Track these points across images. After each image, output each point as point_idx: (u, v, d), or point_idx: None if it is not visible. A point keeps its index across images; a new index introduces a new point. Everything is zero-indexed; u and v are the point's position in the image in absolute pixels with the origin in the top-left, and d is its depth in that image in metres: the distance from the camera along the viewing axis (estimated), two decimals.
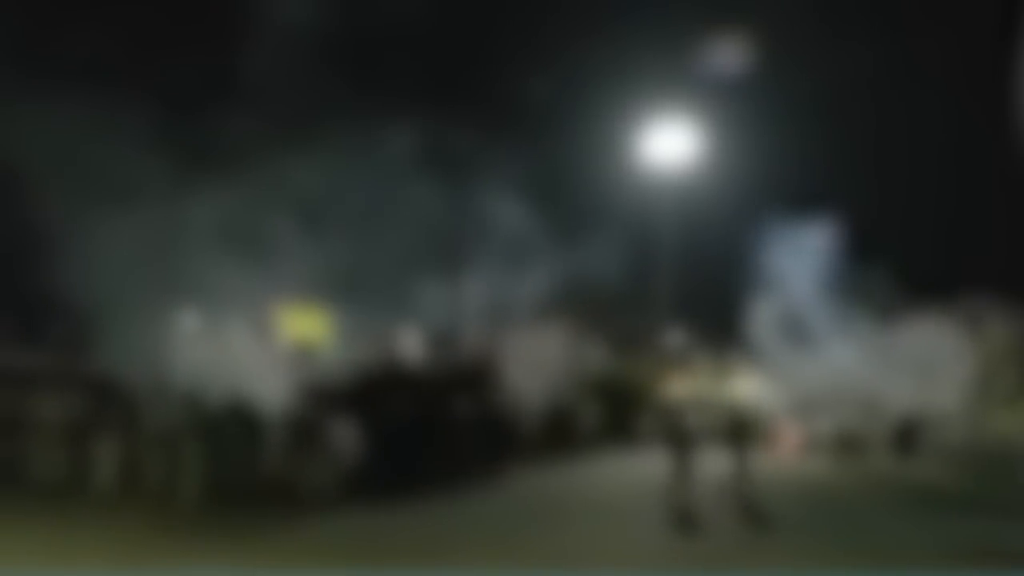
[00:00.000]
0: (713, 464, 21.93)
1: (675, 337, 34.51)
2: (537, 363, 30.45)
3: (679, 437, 20.79)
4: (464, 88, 31.34)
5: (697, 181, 34.48)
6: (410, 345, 29.86)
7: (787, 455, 29.06)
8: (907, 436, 29.34)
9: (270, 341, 26.37)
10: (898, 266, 30.58)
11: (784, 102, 31.65)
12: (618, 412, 32.71)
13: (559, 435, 30.28)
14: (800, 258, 32.18)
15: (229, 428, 23.04)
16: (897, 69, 30.28)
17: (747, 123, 31.81)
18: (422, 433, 24.81)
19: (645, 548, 17.36)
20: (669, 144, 35.03)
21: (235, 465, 22.42)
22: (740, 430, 23.46)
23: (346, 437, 23.33)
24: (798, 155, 31.30)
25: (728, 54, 33.46)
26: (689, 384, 32.43)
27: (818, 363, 30.78)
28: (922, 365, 30.31)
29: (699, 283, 33.57)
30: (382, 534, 18.59)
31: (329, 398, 24.64)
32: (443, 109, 29.76)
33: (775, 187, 32.05)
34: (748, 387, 32.44)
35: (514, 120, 31.44)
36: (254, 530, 18.74)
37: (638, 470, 26.87)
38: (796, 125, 30.84)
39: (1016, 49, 26.84)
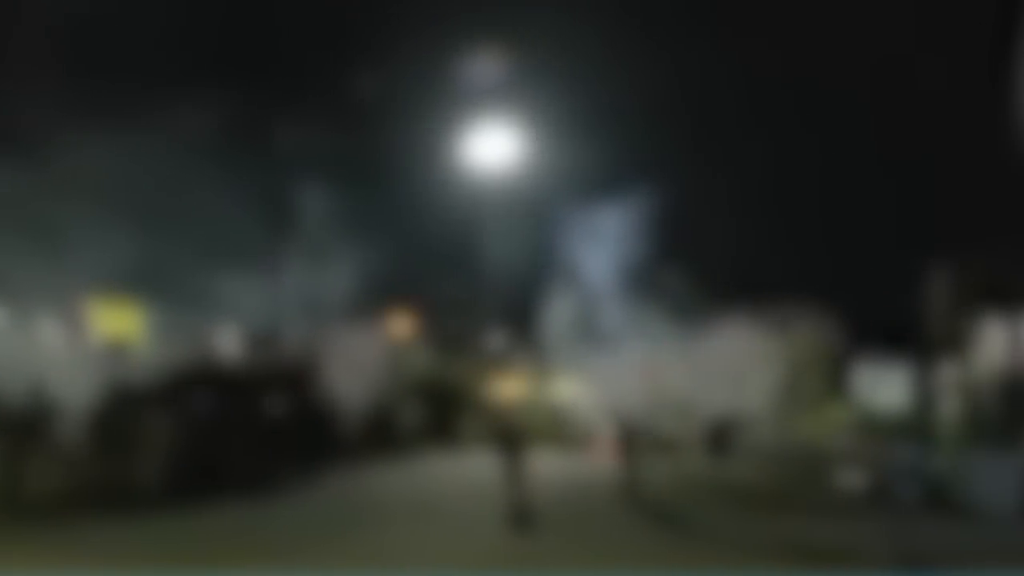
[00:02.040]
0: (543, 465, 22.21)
1: (497, 339, 34.67)
2: (358, 363, 30.22)
3: (509, 438, 20.87)
4: (285, 81, 30.81)
5: (520, 183, 34.68)
6: (227, 344, 29.22)
7: (603, 458, 29.47)
8: (719, 438, 30.15)
9: (80, 338, 25.40)
10: (701, 268, 31.32)
11: (606, 103, 32.08)
12: (440, 414, 32.70)
13: (380, 436, 30.09)
14: (596, 247, 32.74)
15: (31, 427, 22.19)
16: (718, 69, 30.91)
17: (572, 123, 32.12)
18: (236, 433, 24.37)
19: (467, 548, 17.37)
20: (493, 146, 35.09)
21: (38, 465, 21.58)
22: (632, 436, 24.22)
23: (158, 437, 22.68)
24: (627, 157, 31.76)
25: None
26: (515, 386, 32.65)
27: (626, 364, 31.33)
28: (731, 369, 31.22)
29: (520, 285, 33.81)
30: (194, 535, 18.17)
31: (141, 397, 23.96)
32: (259, 101, 29.29)
33: (599, 188, 32.54)
34: (569, 389, 32.87)
35: (337, 116, 31.12)
36: (58, 532, 18.05)
37: (460, 471, 26.93)
38: (621, 127, 31.27)
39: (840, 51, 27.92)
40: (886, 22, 27.88)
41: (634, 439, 24.56)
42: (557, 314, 33.03)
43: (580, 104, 31.80)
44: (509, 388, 32.44)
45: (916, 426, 28.57)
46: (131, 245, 24.89)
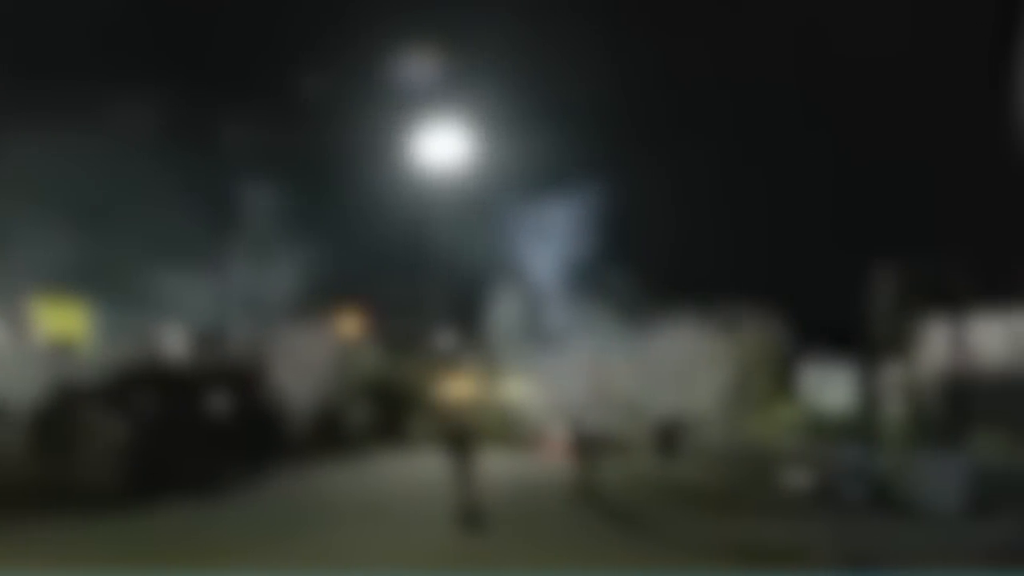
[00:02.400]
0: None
1: (446, 339, 34.62)
2: (306, 363, 30.07)
3: (458, 438, 20.83)
4: (230, 80, 30.57)
5: (467, 183, 34.64)
6: (173, 343, 28.95)
7: (553, 458, 29.54)
8: (668, 438, 30.27)
9: (23, 337, 25.08)
10: (648, 268, 31.45)
11: (553, 103, 32.11)
12: (389, 413, 32.62)
13: (329, 436, 29.94)
14: (543, 246, 32.83)
15: None
16: (665, 69, 30.96)
17: (519, 123, 32.14)
18: (183, 433, 24.14)
19: (416, 548, 17.31)
20: (440, 146, 34.99)
21: None
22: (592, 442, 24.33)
23: (103, 437, 22.38)
24: (573, 157, 31.81)
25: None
26: (464, 386, 32.61)
27: (573, 364, 31.40)
28: (679, 369, 31.40)
29: (468, 284, 33.82)
30: (139, 536, 17.99)
31: (86, 396, 23.66)
32: (205, 100, 29.05)
33: (546, 188, 32.61)
34: (518, 389, 32.88)
35: (282, 116, 30.96)
36: None
37: (409, 471, 26.85)
38: (568, 127, 31.32)
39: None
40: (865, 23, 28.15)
41: (584, 439, 24.60)
42: (504, 314, 33.10)
43: (527, 104, 31.86)
44: (458, 388, 32.41)
45: (861, 426, 28.93)
46: (75, 244, 24.61)
